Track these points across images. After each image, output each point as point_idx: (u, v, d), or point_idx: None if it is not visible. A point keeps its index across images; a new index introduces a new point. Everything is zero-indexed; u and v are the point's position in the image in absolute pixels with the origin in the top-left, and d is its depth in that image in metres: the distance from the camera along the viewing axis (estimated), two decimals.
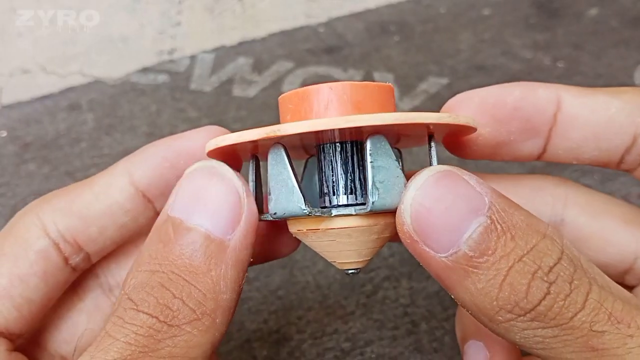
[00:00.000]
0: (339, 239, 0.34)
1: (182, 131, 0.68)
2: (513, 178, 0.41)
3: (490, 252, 0.29)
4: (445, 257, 0.29)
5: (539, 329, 0.29)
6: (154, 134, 0.74)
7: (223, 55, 0.84)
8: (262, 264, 0.42)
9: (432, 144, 0.35)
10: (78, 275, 0.40)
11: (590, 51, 0.82)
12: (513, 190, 0.40)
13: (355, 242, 0.34)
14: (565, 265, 0.29)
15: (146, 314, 0.30)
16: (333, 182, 0.34)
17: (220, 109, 0.76)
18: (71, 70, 0.80)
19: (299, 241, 0.37)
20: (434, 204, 0.30)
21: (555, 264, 0.29)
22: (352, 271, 0.35)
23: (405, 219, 0.30)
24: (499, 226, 0.29)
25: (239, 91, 0.79)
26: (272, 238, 0.40)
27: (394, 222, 0.32)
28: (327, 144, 0.34)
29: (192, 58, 0.84)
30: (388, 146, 0.32)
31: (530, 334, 0.29)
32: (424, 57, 0.83)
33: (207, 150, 0.33)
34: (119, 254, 0.41)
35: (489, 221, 0.29)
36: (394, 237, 0.34)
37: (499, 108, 0.36)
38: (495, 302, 0.29)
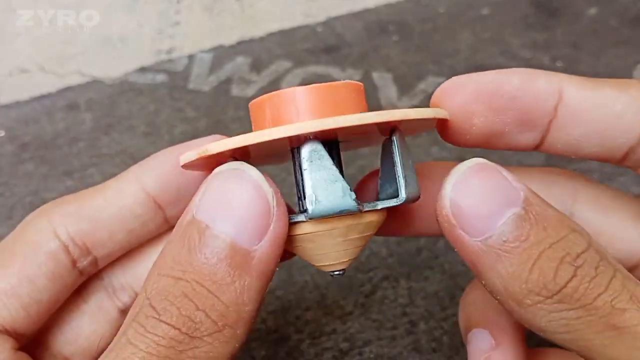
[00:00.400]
0: (305, 245, 0.34)
1: (181, 131, 0.69)
2: (523, 171, 0.41)
3: (523, 238, 0.30)
4: (480, 241, 0.31)
5: (564, 311, 0.30)
6: (152, 134, 0.74)
7: (221, 54, 0.84)
8: None
9: (394, 138, 0.34)
10: (85, 280, 0.40)
11: (589, 51, 0.82)
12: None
13: (320, 246, 0.34)
14: (592, 254, 0.30)
15: (168, 324, 0.29)
16: (296, 187, 0.34)
17: (218, 108, 0.76)
18: (69, 70, 0.79)
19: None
20: (473, 191, 0.31)
21: (582, 252, 0.30)
22: (337, 273, 0.35)
23: (445, 203, 0.32)
24: (532, 217, 0.30)
25: (238, 91, 0.79)
26: None
27: (369, 221, 0.34)
28: (293, 148, 0.34)
29: (191, 58, 0.84)
30: (324, 152, 0.32)
31: (556, 316, 0.30)
32: (422, 56, 0.83)
33: (182, 163, 0.33)
34: (124, 257, 0.41)
35: (523, 212, 0.30)
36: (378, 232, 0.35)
37: (495, 97, 0.35)
38: (524, 285, 0.30)
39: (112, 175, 0.66)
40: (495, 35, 0.86)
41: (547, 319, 0.30)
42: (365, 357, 0.51)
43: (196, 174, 0.36)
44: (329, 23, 0.89)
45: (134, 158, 0.69)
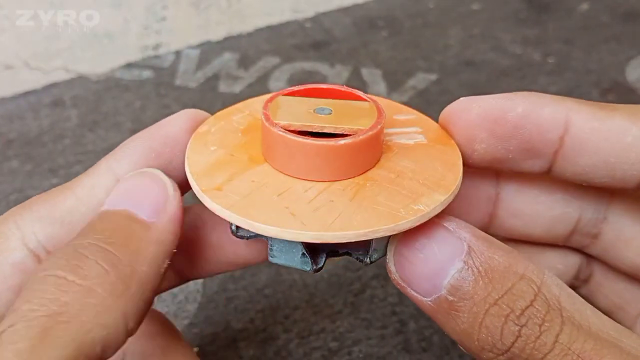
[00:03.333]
0: None
1: None
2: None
3: (468, 296, 0.30)
4: (431, 300, 0.31)
5: None
6: (138, 130, 0.71)
7: (208, 50, 0.84)
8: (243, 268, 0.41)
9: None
10: None
11: (581, 47, 0.82)
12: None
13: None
14: (537, 307, 0.29)
15: (54, 275, 0.28)
16: None
17: (205, 105, 0.75)
18: (55, 66, 0.79)
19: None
20: (414, 253, 0.31)
21: (527, 307, 0.29)
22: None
23: (391, 267, 0.32)
24: (476, 270, 0.30)
25: (225, 87, 0.78)
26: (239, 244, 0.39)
27: None
28: None
29: (177, 53, 0.83)
30: None
31: None
32: (412, 52, 0.83)
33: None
34: None
35: (465, 266, 0.30)
36: None
37: (499, 124, 0.34)
38: (476, 343, 0.30)
39: None
40: (485, 30, 0.85)
41: None
42: (354, 356, 0.51)
43: (170, 158, 0.35)
44: (317, 18, 0.89)
45: None
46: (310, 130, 0.33)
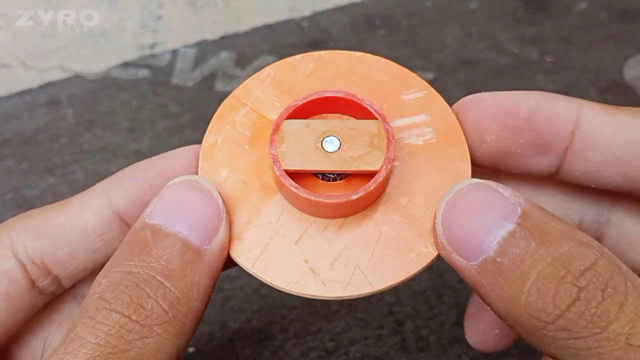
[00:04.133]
0: None
1: (164, 127, 0.68)
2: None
3: (518, 257, 0.28)
4: (476, 264, 0.30)
5: (571, 340, 0.27)
6: (134, 130, 0.73)
7: (205, 49, 0.83)
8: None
9: None
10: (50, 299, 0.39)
11: (578, 45, 0.81)
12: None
13: None
14: (599, 271, 0.27)
15: (119, 312, 0.29)
16: None
17: (202, 104, 0.75)
18: (51, 65, 0.78)
19: None
20: (463, 214, 0.31)
21: (587, 269, 0.27)
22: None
23: (438, 229, 0.31)
24: (527, 232, 0.29)
25: (222, 86, 0.78)
26: None
27: None
28: None
29: (174, 52, 0.83)
30: None
31: (562, 344, 0.28)
32: (409, 51, 0.83)
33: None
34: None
35: (517, 227, 0.29)
36: None
37: (510, 116, 0.34)
38: (523, 308, 0.28)
39: (94, 172, 0.66)
40: (483, 29, 0.85)
41: (555, 346, 0.28)
42: (351, 356, 0.50)
43: None
44: (314, 17, 0.88)
45: (116, 154, 0.69)
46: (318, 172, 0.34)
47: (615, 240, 0.39)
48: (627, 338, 0.26)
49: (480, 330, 0.43)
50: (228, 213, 0.33)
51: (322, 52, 0.36)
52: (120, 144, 0.71)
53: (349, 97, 0.34)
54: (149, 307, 0.29)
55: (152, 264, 0.30)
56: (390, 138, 0.33)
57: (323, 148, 0.33)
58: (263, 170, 0.35)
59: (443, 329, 0.52)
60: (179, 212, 0.32)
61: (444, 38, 0.85)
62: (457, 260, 0.31)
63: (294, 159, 0.33)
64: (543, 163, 0.35)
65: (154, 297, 0.30)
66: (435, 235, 0.32)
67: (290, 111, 0.34)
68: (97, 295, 0.30)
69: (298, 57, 0.35)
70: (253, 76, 0.36)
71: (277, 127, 0.33)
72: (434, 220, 0.32)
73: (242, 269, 0.56)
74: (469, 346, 0.49)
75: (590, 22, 0.85)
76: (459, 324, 0.52)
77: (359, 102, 0.34)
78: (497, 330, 0.42)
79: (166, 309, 0.30)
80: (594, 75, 0.77)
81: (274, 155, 0.33)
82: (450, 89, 0.75)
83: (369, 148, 0.33)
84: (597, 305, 0.27)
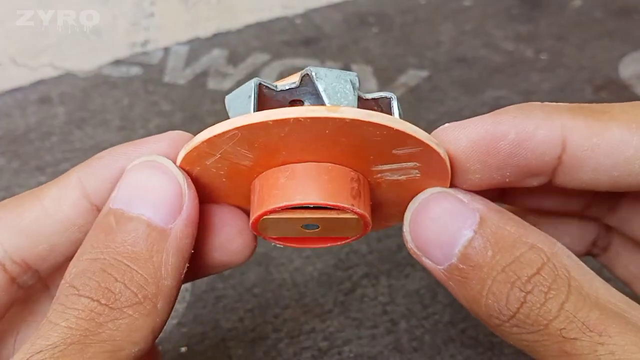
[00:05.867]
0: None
1: (156, 125, 0.67)
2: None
3: (477, 263, 0.31)
4: (443, 269, 0.32)
5: (522, 334, 0.31)
6: (126, 128, 0.72)
7: (197, 47, 0.83)
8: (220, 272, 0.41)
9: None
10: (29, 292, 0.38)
11: (573, 43, 0.81)
12: None
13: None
14: (544, 275, 0.30)
15: (88, 297, 0.30)
16: None
17: (194, 102, 0.75)
18: (42, 63, 0.78)
19: (254, 245, 0.38)
20: (428, 222, 0.32)
21: (534, 274, 0.30)
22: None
23: (407, 237, 0.33)
24: (486, 239, 0.31)
25: (214, 84, 0.78)
26: (224, 242, 0.38)
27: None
28: None
29: (166, 50, 0.83)
30: None
31: (517, 337, 0.31)
32: (403, 49, 0.82)
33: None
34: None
35: (476, 235, 0.31)
36: None
37: (491, 155, 0.32)
38: (484, 309, 0.31)
39: None
40: (477, 27, 0.85)
41: (511, 339, 0.31)
42: (344, 356, 0.50)
43: None
44: (307, 15, 0.88)
45: None
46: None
47: (628, 210, 0.39)
48: (561, 332, 0.29)
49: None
50: (192, 188, 0.33)
51: (301, 118, 0.31)
52: (112, 142, 0.70)
53: (329, 204, 0.32)
54: (117, 290, 0.30)
55: (117, 249, 0.31)
56: (368, 224, 0.34)
57: (304, 229, 0.34)
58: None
59: (437, 329, 0.52)
60: (141, 195, 0.32)
61: (438, 36, 0.85)
62: (427, 263, 0.33)
63: (276, 233, 0.35)
64: (533, 182, 0.35)
65: (121, 280, 0.30)
66: (405, 242, 0.34)
67: (265, 213, 0.33)
68: (66, 284, 0.31)
69: (270, 120, 0.32)
70: (217, 134, 0.32)
71: (255, 222, 0.34)
72: (403, 228, 0.34)
73: (234, 269, 0.56)
74: (462, 345, 0.49)
75: (585, 19, 0.85)
76: (453, 323, 0.52)
77: (341, 206, 0.33)
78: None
79: (135, 290, 0.30)
80: (589, 73, 0.76)
81: (256, 231, 0.34)
82: (444, 86, 0.75)
83: (347, 230, 0.34)
84: (540, 306, 0.30)
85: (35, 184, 0.64)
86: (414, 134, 0.30)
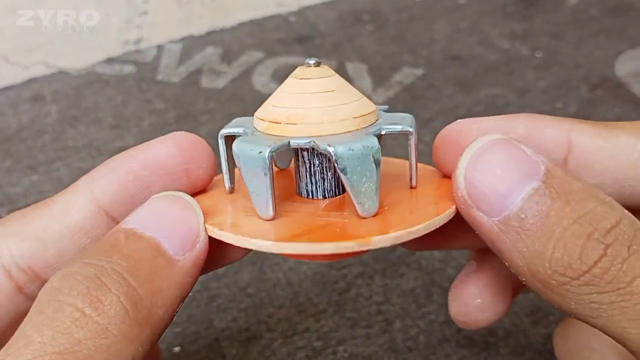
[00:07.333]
0: None
1: (149, 123, 0.67)
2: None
3: (543, 214, 0.28)
4: (498, 220, 0.29)
5: (594, 294, 0.28)
6: (119, 126, 0.72)
7: (191, 45, 0.83)
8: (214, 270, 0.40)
9: None
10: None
11: (569, 41, 0.81)
12: None
13: None
14: (624, 229, 0.28)
15: (71, 305, 0.27)
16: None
17: (188, 100, 0.75)
18: (34, 61, 0.78)
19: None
20: (488, 168, 0.30)
21: (613, 227, 0.28)
22: None
23: (460, 183, 0.31)
24: (553, 190, 0.29)
25: (208, 82, 0.77)
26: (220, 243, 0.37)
27: None
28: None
29: (159, 48, 0.83)
30: None
31: (585, 299, 0.28)
32: (398, 47, 0.82)
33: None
34: None
35: (543, 185, 0.29)
36: None
37: None
38: (547, 264, 0.28)
39: (78, 169, 0.65)
40: (472, 25, 0.85)
41: (576, 301, 0.28)
42: (339, 356, 0.50)
43: (149, 183, 0.34)
44: (302, 12, 0.88)
45: (100, 151, 0.68)
46: None
47: None
48: None
49: (462, 300, 0.42)
50: (207, 233, 0.32)
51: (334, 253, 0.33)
52: (105, 140, 0.70)
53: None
54: (108, 302, 0.28)
55: (119, 261, 0.29)
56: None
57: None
58: None
59: (432, 328, 0.51)
60: (157, 220, 0.31)
61: (433, 33, 0.84)
62: (478, 215, 0.30)
63: None
64: None
65: (115, 292, 0.28)
66: (455, 189, 0.31)
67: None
68: (50, 285, 0.29)
69: (305, 254, 0.33)
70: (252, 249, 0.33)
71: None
72: (454, 174, 0.31)
73: (228, 268, 0.55)
74: (458, 345, 0.48)
75: (581, 17, 0.85)
76: (448, 323, 0.52)
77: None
78: (478, 300, 0.41)
79: (127, 307, 0.28)
80: (585, 71, 0.76)
81: None
82: (439, 85, 0.75)
83: None
84: (623, 261, 0.27)
85: (28, 183, 0.65)
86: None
